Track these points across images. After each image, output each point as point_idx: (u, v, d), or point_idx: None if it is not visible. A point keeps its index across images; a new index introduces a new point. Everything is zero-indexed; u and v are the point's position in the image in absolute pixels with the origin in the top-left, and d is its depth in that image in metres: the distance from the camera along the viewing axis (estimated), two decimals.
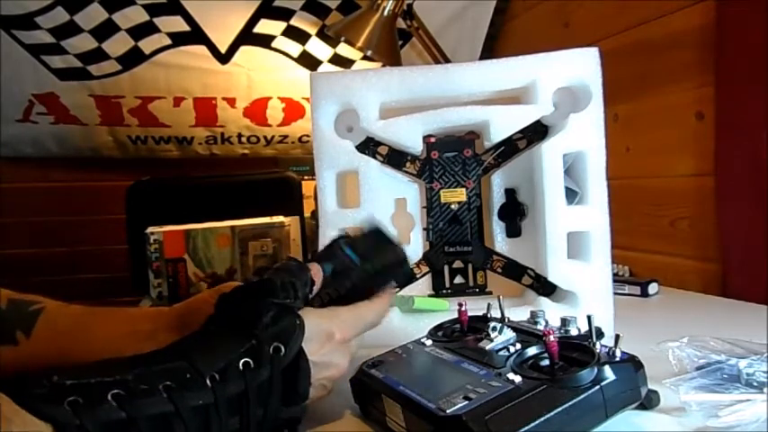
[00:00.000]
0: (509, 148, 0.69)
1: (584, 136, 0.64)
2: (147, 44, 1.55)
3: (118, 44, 1.53)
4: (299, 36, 1.62)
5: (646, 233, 1.04)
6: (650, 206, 1.04)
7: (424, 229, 0.73)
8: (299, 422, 0.43)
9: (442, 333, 0.53)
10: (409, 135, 0.69)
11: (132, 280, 1.32)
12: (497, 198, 0.73)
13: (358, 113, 0.68)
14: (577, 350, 0.41)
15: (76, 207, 1.77)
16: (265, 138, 1.77)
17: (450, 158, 0.71)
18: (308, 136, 1.73)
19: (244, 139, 1.76)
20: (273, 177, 1.51)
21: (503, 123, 0.67)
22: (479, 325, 0.50)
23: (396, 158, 0.71)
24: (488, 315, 0.52)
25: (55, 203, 1.75)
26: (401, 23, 1.36)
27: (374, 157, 0.70)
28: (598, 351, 0.40)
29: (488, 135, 0.68)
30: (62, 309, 0.57)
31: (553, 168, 0.64)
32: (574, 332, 0.45)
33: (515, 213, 0.73)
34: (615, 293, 0.66)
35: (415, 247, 0.74)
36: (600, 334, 0.42)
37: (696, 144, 0.94)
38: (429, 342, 0.51)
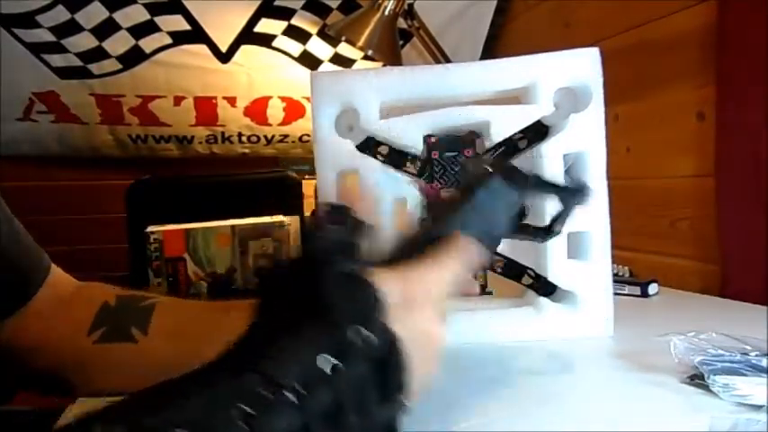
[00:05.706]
0: (509, 148, 0.69)
1: (585, 136, 0.64)
2: (147, 43, 1.55)
3: (118, 43, 1.54)
4: (300, 35, 1.63)
5: (646, 233, 1.04)
6: (650, 206, 1.04)
7: None
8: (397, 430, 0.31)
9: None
10: (410, 135, 0.69)
11: (132, 279, 1.32)
12: None
13: (358, 113, 0.68)
14: None
15: (76, 206, 1.77)
16: (266, 137, 1.77)
17: (451, 158, 0.71)
18: (308, 135, 1.73)
19: (244, 139, 1.76)
20: (274, 177, 1.51)
21: (503, 123, 0.67)
22: None
23: (396, 158, 0.70)
24: None
25: (55, 202, 1.75)
26: (402, 23, 1.35)
27: (375, 157, 0.69)
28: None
29: (489, 135, 0.68)
30: (177, 303, 0.54)
31: (553, 168, 0.64)
32: None
33: None
34: (615, 293, 0.66)
35: None
36: None
37: (697, 144, 0.94)
38: None
